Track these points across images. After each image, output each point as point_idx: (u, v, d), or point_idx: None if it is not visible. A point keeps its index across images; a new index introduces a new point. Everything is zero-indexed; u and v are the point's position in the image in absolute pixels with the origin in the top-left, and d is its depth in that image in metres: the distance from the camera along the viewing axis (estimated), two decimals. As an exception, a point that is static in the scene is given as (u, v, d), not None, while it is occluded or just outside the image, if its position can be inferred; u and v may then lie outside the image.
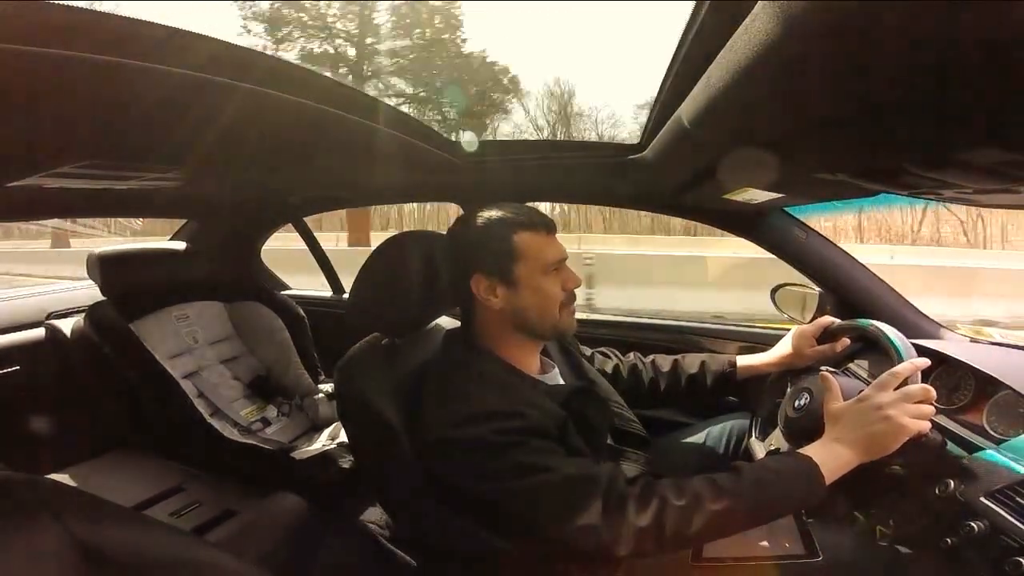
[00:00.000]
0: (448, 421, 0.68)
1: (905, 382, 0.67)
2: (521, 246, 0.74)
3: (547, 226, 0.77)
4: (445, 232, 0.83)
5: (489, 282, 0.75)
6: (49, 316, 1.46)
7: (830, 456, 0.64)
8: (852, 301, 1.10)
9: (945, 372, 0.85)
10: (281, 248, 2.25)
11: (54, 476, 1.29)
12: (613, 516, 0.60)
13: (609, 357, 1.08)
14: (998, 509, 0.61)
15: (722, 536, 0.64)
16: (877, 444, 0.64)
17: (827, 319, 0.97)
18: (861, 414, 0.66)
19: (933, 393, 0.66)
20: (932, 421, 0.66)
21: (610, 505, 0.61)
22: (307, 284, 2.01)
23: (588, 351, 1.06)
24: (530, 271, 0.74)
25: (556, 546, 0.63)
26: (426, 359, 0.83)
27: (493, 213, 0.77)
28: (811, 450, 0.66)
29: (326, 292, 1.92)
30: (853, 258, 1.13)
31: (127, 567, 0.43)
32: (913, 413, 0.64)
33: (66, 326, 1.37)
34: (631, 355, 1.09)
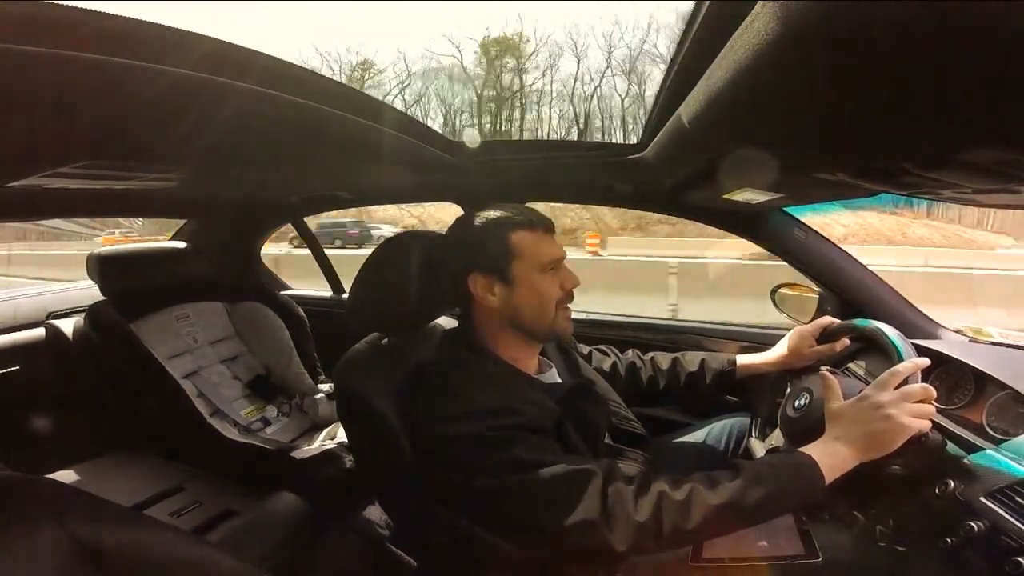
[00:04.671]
0: (445, 418, 0.68)
1: (905, 381, 0.67)
2: (518, 244, 0.75)
3: (545, 225, 0.77)
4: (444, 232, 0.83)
5: (486, 280, 0.75)
6: (49, 316, 1.46)
7: (830, 454, 0.64)
8: (852, 301, 1.10)
9: (945, 372, 0.85)
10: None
11: (54, 476, 1.29)
12: (611, 511, 0.60)
13: (607, 355, 1.08)
14: (998, 509, 0.61)
15: (722, 533, 0.64)
16: (877, 443, 0.64)
17: (826, 319, 0.97)
18: (861, 413, 0.65)
19: (933, 392, 0.66)
20: (932, 421, 0.66)
21: (608, 500, 0.61)
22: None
23: (586, 349, 1.06)
24: (526, 269, 0.75)
25: (555, 543, 0.62)
26: (426, 358, 0.83)
27: (491, 213, 0.77)
28: (811, 449, 0.65)
29: (326, 292, 1.92)
30: (853, 258, 1.13)
31: (127, 567, 0.43)
32: (913, 412, 0.64)
33: (66, 326, 1.37)
34: (629, 352, 1.09)
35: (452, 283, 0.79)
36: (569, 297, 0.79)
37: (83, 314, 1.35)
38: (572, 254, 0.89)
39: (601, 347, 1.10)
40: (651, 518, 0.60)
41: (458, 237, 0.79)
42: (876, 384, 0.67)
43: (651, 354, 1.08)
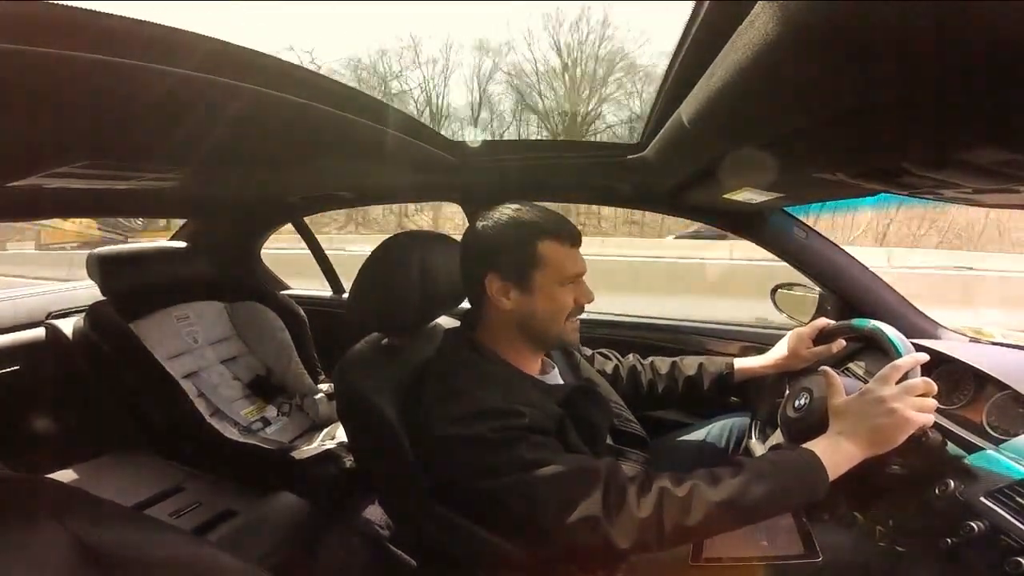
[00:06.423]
0: (448, 418, 0.68)
1: (905, 376, 0.67)
2: (544, 254, 0.73)
3: (573, 237, 0.75)
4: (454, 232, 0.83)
5: (503, 283, 0.74)
6: (49, 316, 1.46)
7: (835, 450, 0.64)
8: (852, 301, 1.10)
9: (945, 372, 0.84)
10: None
11: (54, 476, 1.29)
12: (613, 508, 0.60)
13: (609, 358, 1.08)
14: (998, 509, 0.61)
15: (724, 530, 0.64)
16: (882, 437, 0.64)
17: (822, 321, 0.96)
18: (864, 407, 0.65)
19: (934, 387, 0.66)
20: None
21: (610, 497, 0.60)
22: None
23: (588, 351, 1.06)
24: (548, 280, 0.73)
25: (557, 542, 0.62)
26: (426, 358, 0.83)
27: (521, 215, 0.74)
28: (815, 445, 0.65)
29: (326, 292, 1.92)
30: (853, 258, 1.13)
31: (127, 567, 0.43)
32: (916, 406, 0.64)
33: (66, 326, 1.37)
34: (630, 356, 1.09)
35: (468, 279, 0.77)
36: (580, 310, 0.78)
37: (83, 314, 1.35)
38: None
39: (603, 351, 1.10)
40: (653, 515, 0.59)
41: (482, 233, 0.76)
42: (877, 379, 0.67)
43: (651, 358, 1.08)
